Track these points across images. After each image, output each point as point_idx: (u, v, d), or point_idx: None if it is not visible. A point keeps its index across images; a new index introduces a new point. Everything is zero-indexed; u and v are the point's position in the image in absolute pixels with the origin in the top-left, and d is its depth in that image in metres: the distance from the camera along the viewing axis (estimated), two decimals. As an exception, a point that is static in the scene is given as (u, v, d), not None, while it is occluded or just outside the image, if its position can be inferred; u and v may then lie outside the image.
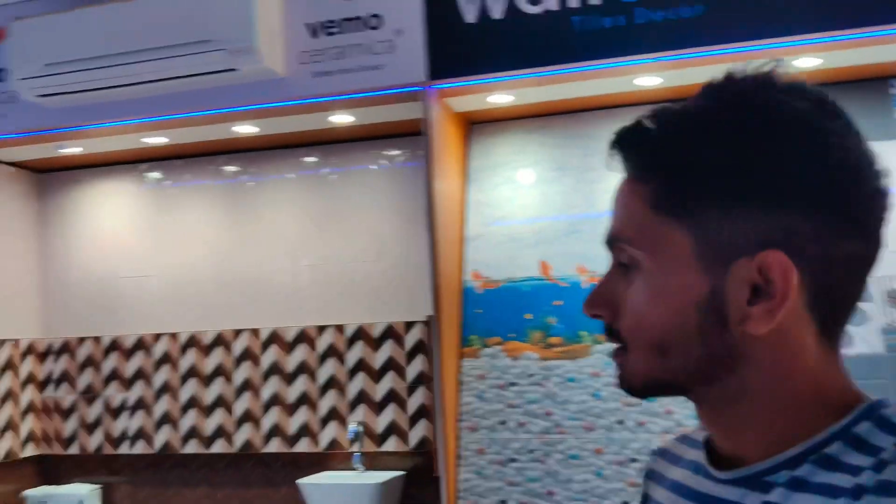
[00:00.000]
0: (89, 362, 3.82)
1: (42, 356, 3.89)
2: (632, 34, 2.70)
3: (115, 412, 3.76)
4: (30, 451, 3.79)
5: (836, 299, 0.64)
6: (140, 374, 3.74)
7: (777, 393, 0.64)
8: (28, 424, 3.79)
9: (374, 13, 2.93)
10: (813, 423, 0.62)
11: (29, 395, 3.81)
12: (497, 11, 2.82)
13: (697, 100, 0.66)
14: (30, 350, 3.84)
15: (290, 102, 3.03)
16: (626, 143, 0.67)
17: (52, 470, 3.83)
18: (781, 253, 0.60)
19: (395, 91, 2.93)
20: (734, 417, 0.66)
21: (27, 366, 3.82)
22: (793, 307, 0.62)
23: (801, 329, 0.63)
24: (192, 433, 3.65)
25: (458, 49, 2.87)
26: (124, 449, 3.74)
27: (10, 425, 3.68)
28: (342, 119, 3.31)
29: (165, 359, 3.72)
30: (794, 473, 0.61)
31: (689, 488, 0.71)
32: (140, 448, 3.72)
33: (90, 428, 3.79)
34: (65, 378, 3.85)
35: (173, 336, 3.72)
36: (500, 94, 3.06)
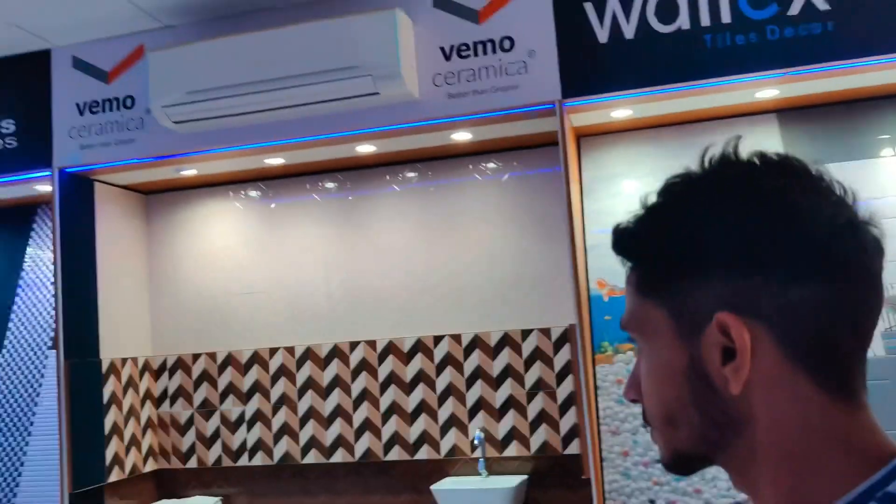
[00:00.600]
0: (205, 377, 3.92)
1: (156, 373, 3.99)
2: (763, 51, 2.83)
3: (233, 425, 3.86)
4: (149, 465, 3.89)
5: (823, 348, 0.64)
6: (257, 388, 3.85)
7: (787, 450, 0.65)
8: (147, 440, 3.89)
9: (507, 36, 3.06)
10: (842, 481, 0.62)
11: (147, 411, 3.92)
12: (629, 32, 2.96)
13: (656, 196, 0.72)
14: (145, 367, 3.94)
15: (424, 122, 3.15)
16: (616, 241, 0.73)
17: (170, 483, 3.93)
18: (728, 313, 0.63)
19: (529, 109, 3.06)
20: (754, 479, 0.67)
21: (144, 383, 3.92)
22: (770, 362, 0.64)
23: (792, 383, 0.64)
24: (312, 443, 3.76)
25: (590, 68, 3.00)
26: (243, 461, 3.84)
27: (134, 441, 3.78)
28: (462, 136, 3.43)
29: (282, 372, 3.83)
30: None
31: None
32: (259, 460, 3.82)
33: (208, 441, 3.89)
34: (180, 394, 3.95)
35: (289, 350, 3.82)
36: (623, 109, 3.20)
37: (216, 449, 3.88)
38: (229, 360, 3.90)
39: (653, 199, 0.72)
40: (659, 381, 0.70)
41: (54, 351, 3.72)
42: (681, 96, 3.04)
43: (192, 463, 3.92)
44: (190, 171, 3.74)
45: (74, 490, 3.36)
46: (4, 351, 3.82)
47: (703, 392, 0.67)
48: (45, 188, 3.78)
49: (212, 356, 3.92)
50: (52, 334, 3.80)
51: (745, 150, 0.70)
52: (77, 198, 3.61)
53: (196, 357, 3.95)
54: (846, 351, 0.65)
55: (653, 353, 0.71)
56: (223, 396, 3.90)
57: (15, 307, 3.91)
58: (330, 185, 3.89)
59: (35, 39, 3.46)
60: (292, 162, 3.67)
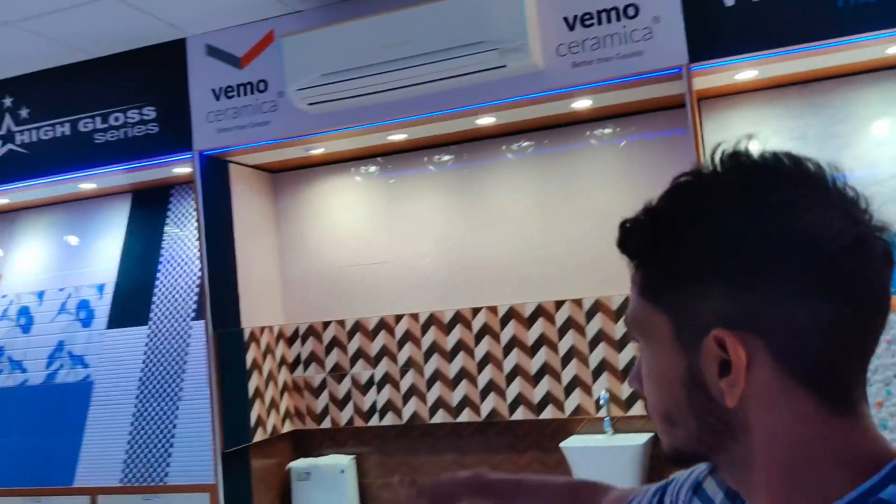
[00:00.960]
0: (335, 343, 4.14)
1: (289, 340, 4.23)
2: (898, 6, 2.80)
3: (364, 388, 4.08)
4: (286, 427, 4.15)
5: (824, 365, 0.64)
6: (385, 352, 4.05)
7: (783, 460, 0.65)
8: (284, 403, 4.15)
9: (631, 3, 3.10)
10: (838, 488, 0.62)
11: (283, 376, 4.16)
12: (756, -6, 2.96)
13: (663, 198, 0.70)
14: (279, 335, 4.19)
15: (549, 93, 3.23)
16: (619, 239, 0.72)
17: (305, 443, 4.19)
18: (724, 330, 0.63)
19: (654, 75, 3.11)
20: (749, 483, 0.68)
21: (279, 350, 4.17)
22: (767, 377, 0.64)
23: (790, 398, 0.64)
24: (439, 404, 3.94)
25: (716, 31, 3.02)
26: (374, 421, 4.06)
27: (273, 404, 4.04)
28: (582, 104, 3.50)
29: (408, 337, 4.01)
30: None
31: None
32: (389, 420, 4.03)
33: (340, 403, 4.12)
34: (313, 359, 4.19)
35: (414, 316, 4.00)
36: (747, 71, 3.20)
37: (348, 410, 4.11)
38: (357, 327, 4.10)
39: (658, 200, 0.70)
40: (658, 384, 0.71)
41: (197, 322, 4.01)
42: (807, 55, 3.03)
43: (326, 423, 4.16)
44: (318, 150, 3.92)
45: (226, 449, 3.63)
46: (151, 323, 4.12)
47: (700, 399, 0.67)
48: (181, 170, 4.03)
49: (341, 323, 4.13)
50: (194, 306, 4.07)
51: (767, 148, 0.68)
52: (215, 178, 3.83)
53: (326, 325, 4.17)
54: (848, 366, 0.65)
55: (653, 356, 0.71)
56: (353, 361, 4.11)
57: (157, 283, 4.19)
58: (447, 157, 4.02)
59: (170, 29, 3.66)
60: (413, 137, 3.81)
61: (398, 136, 3.79)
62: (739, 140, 0.68)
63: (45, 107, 3.98)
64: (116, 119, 3.84)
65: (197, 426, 3.82)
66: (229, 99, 3.65)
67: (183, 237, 4.23)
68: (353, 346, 4.12)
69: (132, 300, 4.20)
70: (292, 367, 4.22)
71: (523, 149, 3.90)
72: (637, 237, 0.71)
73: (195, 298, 4.08)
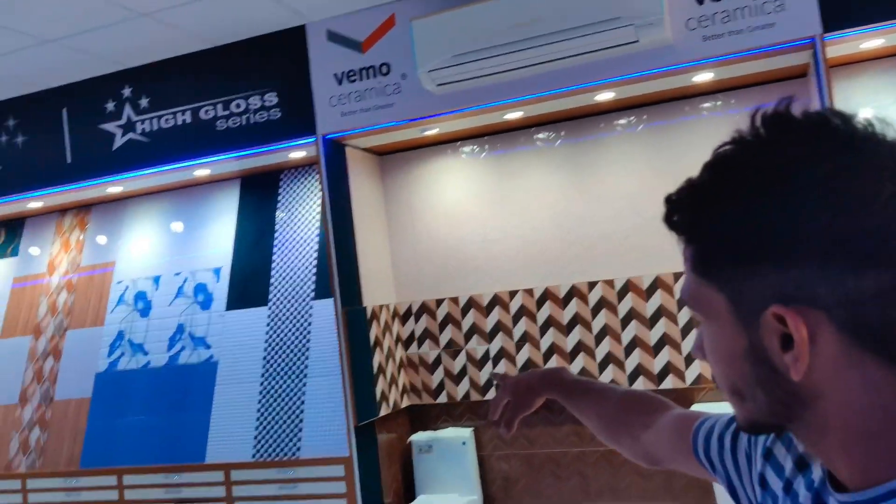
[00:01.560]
0: (449, 320, 4.24)
1: (403, 318, 4.34)
2: None
3: (479, 363, 4.18)
4: (404, 401, 4.26)
5: (891, 332, 0.62)
6: (500, 328, 4.14)
7: (858, 427, 0.65)
8: (402, 378, 4.26)
9: (763, -25, 3.13)
10: None
11: (398, 352, 4.28)
12: (894, -40, 2.98)
13: (706, 171, 0.69)
14: (394, 313, 4.29)
15: (678, 66, 3.28)
16: (666, 214, 0.71)
17: (422, 417, 4.31)
18: (783, 307, 0.63)
19: (786, 46, 3.15)
20: (826, 449, 0.68)
21: (395, 327, 4.28)
22: (833, 349, 0.63)
23: (859, 367, 0.63)
24: (557, 377, 4.02)
25: (850, 0, 3.05)
26: (490, 395, 4.16)
27: (392, 380, 4.15)
28: (704, 77, 3.54)
29: (523, 312, 4.10)
30: None
31: (819, 495, 0.74)
32: (506, 394, 4.12)
33: (456, 378, 4.23)
34: (427, 336, 4.29)
35: (528, 291, 4.09)
36: (875, 39, 3.23)
37: (464, 385, 4.21)
38: (471, 304, 4.20)
39: (701, 173, 0.69)
40: (721, 360, 0.71)
41: (317, 301, 4.12)
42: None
43: (443, 398, 4.27)
44: (432, 131, 4.00)
45: (358, 423, 3.75)
46: (271, 304, 4.24)
47: (765, 374, 0.67)
48: (296, 155, 4.14)
49: (454, 300, 4.23)
50: (312, 286, 4.19)
51: (811, 109, 0.66)
52: (336, 161, 3.93)
53: (439, 302, 4.27)
54: None
55: (714, 333, 0.71)
56: (467, 337, 4.21)
57: (274, 264, 4.31)
58: (556, 133, 4.08)
59: (290, 16, 3.75)
60: (529, 114, 3.87)
61: (514, 115, 3.86)
62: (781, 102, 0.66)
63: (165, 96, 4.10)
64: (238, 106, 3.95)
65: (325, 402, 3.94)
66: (351, 83, 3.74)
67: (296, 220, 4.35)
68: (467, 323, 4.21)
69: (250, 282, 4.33)
70: (406, 343, 4.33)
71: (634, 123, 3.96)
72: (682, 213, 0.70)
73: (313, 279, 4.20)
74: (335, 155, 3.94)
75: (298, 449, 3.92)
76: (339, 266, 3.82)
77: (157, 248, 4.65)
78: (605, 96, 3.70)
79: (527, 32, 3.25)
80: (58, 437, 4.49)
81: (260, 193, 4.49)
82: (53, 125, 4.32)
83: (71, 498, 4.29)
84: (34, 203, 4.75)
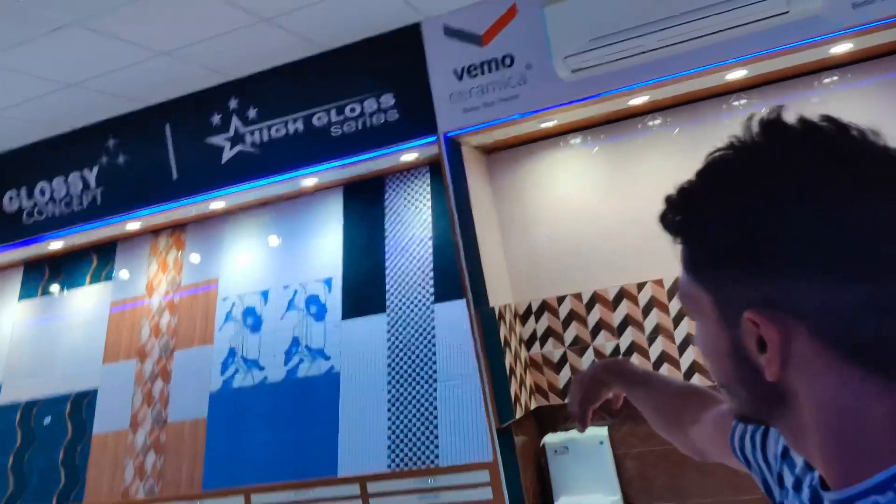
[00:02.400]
0: (573, 317, 4.13)
1: (523, 317, 4.23)
2: None
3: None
4: (532, 403, 4.15)
5: (868, 339, 0.63)
6: (629, 321, 4.02)
7: (834, 428, 0.66)
8: (528, 379, 4.15)
9: (916, -65, 3.02)
10: (894, 453, 0.63)
11: (522, 352, 4.17)
12: None
13: (698, 176, 0.71)
14: (514, 313, 4.19)
15: (830, 35, 3.17)
16: (661, 215, 0.74)
17: (549, 419, 4.18)
18: (755, 312, 0.65)
19: (945, 7, 3.03)
20: (806, 448, 0.70)
21: (517, 327, 4.17)
22: (808, 353, 0.64)
23: (835, 371, 0.64)
24: (694, 368, 3.90)
25: None
26: (623, 391, 4.03)
27: (521, 381, 4.04)
28: (842, 48, 3.43)
29: (653, 304, 3.98)
30: (878, 500, 0.63)
31: (816, 494, 0.74)
32: (639, 389, 4.00)
33: (585, 376, 4.10)
34: (550, 334, 4.18)
35: (658, 282, 3.97)
36: None
37: (595, 382, 4.08)
38: (595, 299, 4.09)
39: (694, 177, 0.71)
40: (709, 358, 0.74)
41: (439, 304, 4.02)
42: None
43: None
44: (550, 122, 3.90)
45: (500, 426, 3.64)
46: (389, 310, 4.15)
47: (747, 373, 0.68)
48: (407, 157, 4.06)
49: (577, 296, 4.12)
50: (431, 290, 4.09)
51: (804, 115, 0.65)
52: (454, 160, 3.84)
53: (561, 299, 4.16)
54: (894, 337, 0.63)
55: (702, 329, 0.73)
56: (594, 333, 4.09)
57: (388, 271, 4.22)
58: (676, 118, 3.98)
59: (406, 13, 3.67)
60: (655, 98, 3.77)
61: (639, 100, 3.76)
62: (772, 111, 0.67)
63: (274, 105, 4.03)
64: (353, 110, 3.88)
65: (459, 406, 3.84)
66: (472, 77, 3.66)
67: (406, 223, 4.26)
68: (592, 318, 4.10)
69: (365, 290, 4.24)
70: (528, 343, 4.22)
71: (756, 103, 3.84)
72: (675, 214, 0.72)
73: (431, 282, 4.10)
74: (454, 154, 3.85)
75: (437, 456, 3.81)
76: (469, 266, 3.72)
77: (262, 262, 4.58)
78: (736, 75, 3.59)
79: (669, 10, 3.16)
80: (175, 461, 4.40)
81: (365, 200, 4.41)
82: (156, 142, 4.27)
83: (195, 521, 4.20)
84: (132, 224, 4.69)
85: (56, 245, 4.92)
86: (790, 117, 0.67)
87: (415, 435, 3.89)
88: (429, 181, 4.28)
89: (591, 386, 1.32)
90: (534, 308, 4.22)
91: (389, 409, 3.99)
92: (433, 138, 3.75)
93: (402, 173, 4.36)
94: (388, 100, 3.82)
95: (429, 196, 4.26)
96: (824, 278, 0.62)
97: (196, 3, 3.18)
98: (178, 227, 4.90)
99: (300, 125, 3.97)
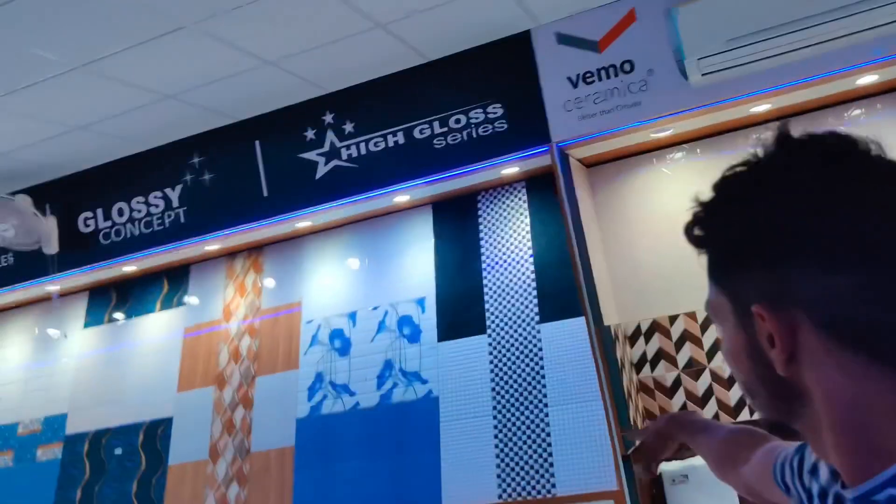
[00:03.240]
0: (686, 337, 3.92)
1: (632, 339, 4.03)
2: None
3: (727, 382, 3.84)
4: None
5: (872, 328, 0.65)
6: (747, 341, 3.81)
7: (846, 422, 0.67)
8: (640, 403, 3.93)
9: None
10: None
11: (632, 375, 3.95)
12: None
13: (711, 189, 0.76)
14: (623, 334, 3.99)
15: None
16: (685, 230, 0.80)
17: (661, 446, 3.95)
18: (761, 305, 0.68)
19: None
20: (823, 447, 0.71)
21: (622, 348, 3.96)
22: (813, 344, 0.67)
23: (840, 361, 0.66)
24: (820, 390, 3.68)
25: None
26: (744, 415, 3.81)
27: (636, 407, 3.82)
28: None
29: (773, 322, 3.77)
30: (893, 492, 0.64)
31: (839, 497, 0.75)
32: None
33: (700, 401, 3.89)
34: (661, 356, 3.97)
35: (778, 299, 3.76)
36: None
37: (711, 406, 3.86)
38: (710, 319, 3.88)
39: (710, 190, 0.77)
40: (732, 361, 0.77)
41: (544, 324, 3.83)
42: None
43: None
44: (663, 133, 3.74)
45: (625, 452, 3.42)
46: (490, 331, 3.95)
47: (763, 370, 0.71)
48: (508, 171, 3.90)
49: (691, 316, 3.92)
50: (535, 310, 3.90)
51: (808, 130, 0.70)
52: (566, 172, 3.68)
53: (673, 319, 3.95)
54: None
55: (725, 335, 0.77)
56: (710, 355, 3.88)
57: (486, 290, 4.03)
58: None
59: (519, 19, 3.54)
60: (779, 105, 3.61)
61: (761, 108, 3.59)
62: (779, 126, 0.73)
63: (372, 118, 3.88)
64: (458, 121, 3.72)
65: (575, 432, 3.62)
66: (588, 84, 3.51)
67: (503, 241, 4.08)
68: (708, 339, 3.89)
69: (463, 310, 4.05)
70: (638, 366, 4.01)
71: (880, 111, 3.68)
72: (693, 227, 0.78)
73: (535, 301, 3.91)
74: (564, 165, 3.69)
75: (553, 486, 3.58)
76: (587, 284, 3.53)
77: (347, 284, 4.40)
78: (867, 80, 3.43)
79: (809, 9, 3.01)
80: (261, 492, 4.18)
81: (457, 217, 4.24)
82: (246, 159, 4.12)
83: (285, 557, 3.96)
84: (211, 246, 4.52)
85: (130, 268, 4.75)
86: (797, 131, 0.72)
87: (527, 463, 3.66)
88: (525, 197, 4.11)
89: (659, 439, 1.37)
90: (643, 328, 4.02)
91: (496, 436, 3.77)
92: (545, 148, 3.59)
93: (496, 189, 4.19)
94: (495, 110, 3.67)
95: (526, 212, 4.09)
96: (820, 269, 0.65)
97: (311, 2, 3.04)
98: (254, 250, 4.73)
99: (401, 138, 3.82)
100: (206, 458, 4.40)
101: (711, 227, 0.76)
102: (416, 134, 3.79)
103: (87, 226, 4.52)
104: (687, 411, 1.38)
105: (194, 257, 4.77)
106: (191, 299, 4.81)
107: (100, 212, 4.49)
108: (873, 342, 0.66)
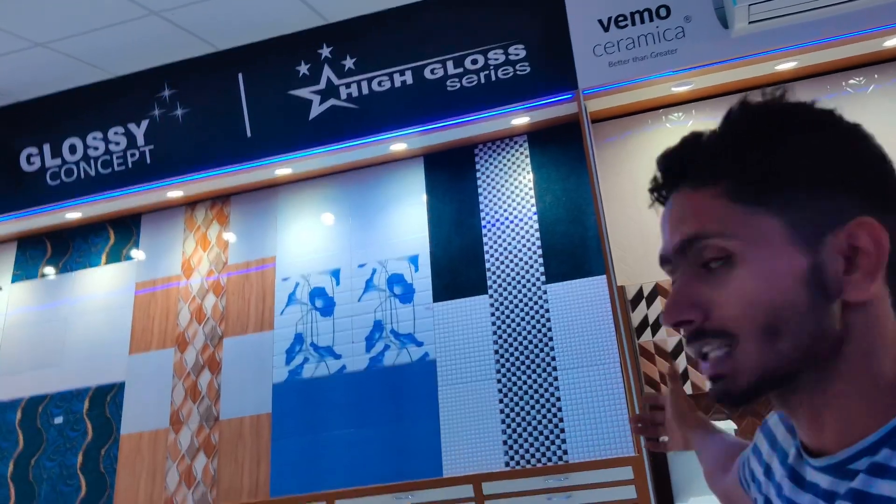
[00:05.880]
0: (692, 302, 3.81)
1: (633, 302, 3.88)
2: None
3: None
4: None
5: None
6: (754, 306, 3.73)
7: (863, 372, 0.66)
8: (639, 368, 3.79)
9: None
10: (892, 409, 0.63)
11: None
12: None
13: (739, 115, 0.72)
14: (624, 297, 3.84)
15: None
16: (684, 157, 0.74)
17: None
18: (872, 219, 0.65)
19: None
20: (818, 405, 0.68)
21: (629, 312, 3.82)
22: (879, 293, 0.66)
23: (884, 302, 0.66)
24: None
25: None
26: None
27: (635, 371, 3.68)
28: None
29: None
30: (874, 459, 0.62)
31: (794, 469, 0.74)
32: (764, 379, 3.71)
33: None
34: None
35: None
36: None
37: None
38: (716, 282, 3.78)
39: (734, 115, 0.71)
40: (772, 289, 0.67)
41: (550, 284, 3.63)
42: None
43: (686, 389, 3.81)
44: (684, 87, 3.59)
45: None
46: (492, 291, 3.71)
47: (819, 302, 0.66)
48: (519, 121, 3.66)
49: (698, 279, 3.80)
50: (541, 269, 3.69)
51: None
52: (586, 122, 3.48)
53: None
54: None
55: (761, 259, 0.68)
56: (715, 319, 3.78)
57: (486, 249, 3.79)
58: (803, 90, 3.75)
59: (544, -43, 3.30)
60: (802, 65, 3.53)
61: (787, 65, 3.50)
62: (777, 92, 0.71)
63: (375, 55, 3.55)
64: (474, 62, 3.45)
65: (587, 396, 3.44)
66: (620, 29, 3.31)
67: (504, 198, 3.85)
68: (714, 302, 3.79)
69: (461, 269, 3.79)
70: (638, 330, 3.87)
71: (878, 80, 3.66)
72: (718, 146, 0.71)
73: (540, 261, 3.70)
74: (584, 114, 3.49)
75: (565, 452, 3.39)
76: (599, 242, 3.35)
77: (329, 239, 4.05)
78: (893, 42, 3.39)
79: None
80: (233, 463, 3.79)
81: (452, 171, 3.97)
82: (227, 93, 3.70)
83: (263, 533, 3.61)
84: (174, 192, 4.07)
85: (73, 215, 4.23)
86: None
87: (536, 429, 3.46)
88: (527, 151, 3.89)
89: (675, 432, 1.31)
90: (646, 292, 3.88)
91: (502, 401, 3.54)
92: (569, 95, 3.37)
93: (495, 142, 3.95)
94: (517, 51, 3.42)
95: (528, 167, 3.87)
96: (882, 198, 0.65)
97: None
98: (219, 199, 4.30)
99: (409, 77, 3.51)
100: (167, 426, 3.96)
101: (739, 148, 0.69)
102: (427, 74, 3.50)
103: (31, 163, 3.97)
104: (708, 421, 1.30)
105: (146, 206, 4.29)
106: (148, 251, 4.33)
107: (47, 148, 3.95)
108: None
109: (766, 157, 0.69)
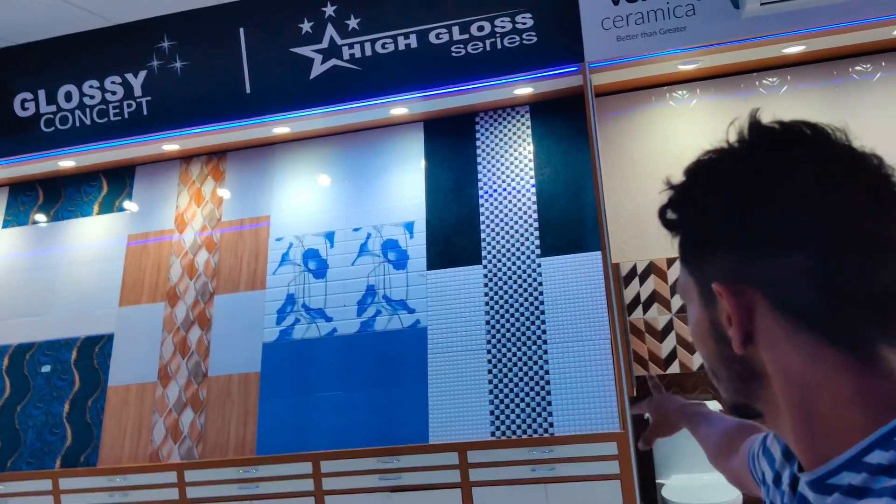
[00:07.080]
0: (685, 281, 3.82)
1: (626, 279, 3.89)
2: None
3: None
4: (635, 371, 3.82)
5: (824, 309, 0.66)
6: (746, 289, 3.75)
7: (801, 403, 0.68)
8: (630, 346, 3.81)
9: None
10: (857, 435, 0.64)
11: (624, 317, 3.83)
12: None
13: (687, 175, 0.75)
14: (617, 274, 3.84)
15: None
16: (658, 213, 0.78)
17: (647, 390, 3.87)
18: (720, 283, 0.69)
19: None
20: (783, 430, 0.72)
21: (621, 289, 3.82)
22: (769, 324, 0.68)
23: (795, 342, 0.67)
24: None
25: None
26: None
27: (625, 348, 3.70)
28: None
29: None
30: (849, 478, 0.64)
31: (794, 480, 0.76)
32: (751, 362, 3.75)
33: (691, 346, 3.81)
34: (655, 299, 3.86)
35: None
36: None
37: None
38: (710, 263, 3.79)
39: (684, 176, 0.76)
40: (696, 341, 0.77)
41: (545, 258, 3.63)
42: None
43: (674, 368, 3.84)
44: (690, 66, 3.56)
45: (633, 394, 3.29)
46: (486, 262, 3.71)
47: (725, 350, 0.71)
48: (521, 91, 3.62)
49: (692, 259, 3.81)
50: (536, 242, 3.68)
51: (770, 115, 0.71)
52: (590, 96, 3.44)
53: (671, 261, 3.84)
54: (852, 309, 0.65)
55: (691, 315, 0.77)
56: (707, 300, 3.80)
57: (483, 219, 3.78)
58: (805, 76, 3.72)
59: (557, -75, 3.24)
60: (810, 49, 3.49)
61: (794, 49, 3.47)
62: (751, 113, 0.73)
63: (380, 16, 3.50)
64: (480, 28, 3.40)
65: (575, 371, 3.45)
66: (631, 2, 3.26)
67: (503, 168, 3.82)
68: (707, 283, 3.80)
69: (456, 238, 3.78)
70: (630, 308, 3.89)
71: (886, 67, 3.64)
72: (665, 211, 0.76)
73: (535, 234, 3.69)
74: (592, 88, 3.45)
75: (551, 425, 3.41)
76: (596, 217, 3.34)
77: (325, 201, 4.03)
78: (905, 30, 3.36)
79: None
80: (220, 420, 3.81)
81: (452, 138, 3.93)
82: (227, 48, 3.64)
83: (247, 490, 3.63)
84: (169, 146, 4.02)
85: (67, 163, 4.18)
86: (766, 119, 0.72)
87: (523, 401, 3.48)
88: (528, 122, 3.86)
89: (664, 423, 1.40)
90: (639, 270, 3.89)
91: (491, 371, 3.56)
92: (575, 68, 3.33)
93: (496, 111, 3.91)
94: (525, 20, 3.37)
95: (529, 138, 3.84)
96: (774, 253, 0.66)
97: None
98: (215, 155, 4.26)
99: (413, 41, 3.46)
100: (155, 380, 3.97)
101: (682, 210, 0.74)
102: (432, 38, 3.44)
103: (25, 109, 3.91)
104: (695, 402, 1.39)
105: (141, 157, 4.25)
106: (142, 203, 4.30)
107: (42, 94, 3.89)
108: (829, 323, 0.66)
109: (687, 218, 0.74)
